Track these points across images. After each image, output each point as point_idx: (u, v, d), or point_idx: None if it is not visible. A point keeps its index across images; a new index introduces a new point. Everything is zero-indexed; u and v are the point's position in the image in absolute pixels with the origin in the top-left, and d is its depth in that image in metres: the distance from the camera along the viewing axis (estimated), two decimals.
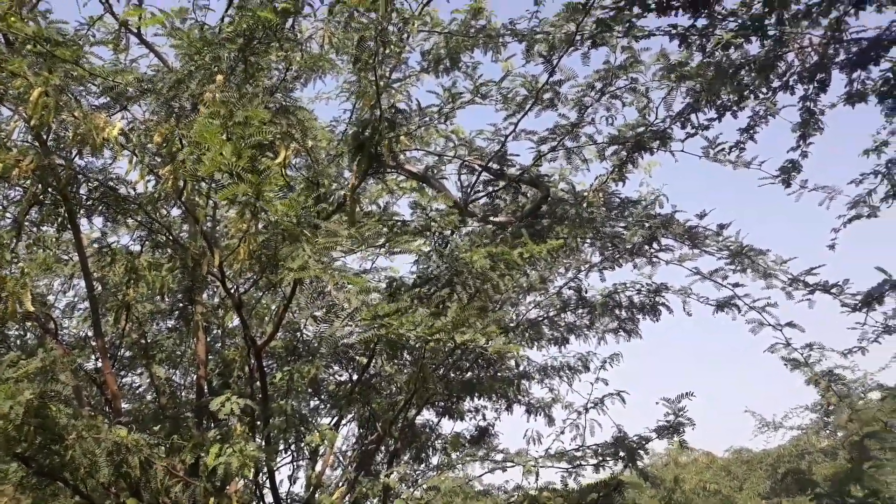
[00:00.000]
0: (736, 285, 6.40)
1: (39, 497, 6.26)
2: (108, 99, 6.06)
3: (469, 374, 9.81)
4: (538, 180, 6.38)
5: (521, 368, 10.45)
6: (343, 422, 9.67)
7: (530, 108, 5.70)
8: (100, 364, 7.93)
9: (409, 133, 5.80)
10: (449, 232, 6.39)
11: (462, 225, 6.43)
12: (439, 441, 10.28)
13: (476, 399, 10.16)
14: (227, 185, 4.09)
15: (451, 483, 5.19)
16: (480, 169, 6.33)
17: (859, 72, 7.08)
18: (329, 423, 8.79)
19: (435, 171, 6.51)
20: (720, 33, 6.81)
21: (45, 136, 5.96)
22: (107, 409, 7.68)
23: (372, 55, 5.26)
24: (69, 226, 7.11)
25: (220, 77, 4.53)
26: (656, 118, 5.86)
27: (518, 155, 6.40)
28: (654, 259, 7.02)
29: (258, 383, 7.20)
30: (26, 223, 7.47)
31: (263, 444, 6.83)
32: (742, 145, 7.62)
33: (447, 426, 10.46)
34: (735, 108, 7.46)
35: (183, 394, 9.48)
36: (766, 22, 6.66)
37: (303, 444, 7.16)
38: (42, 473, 6.12)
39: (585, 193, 6.36)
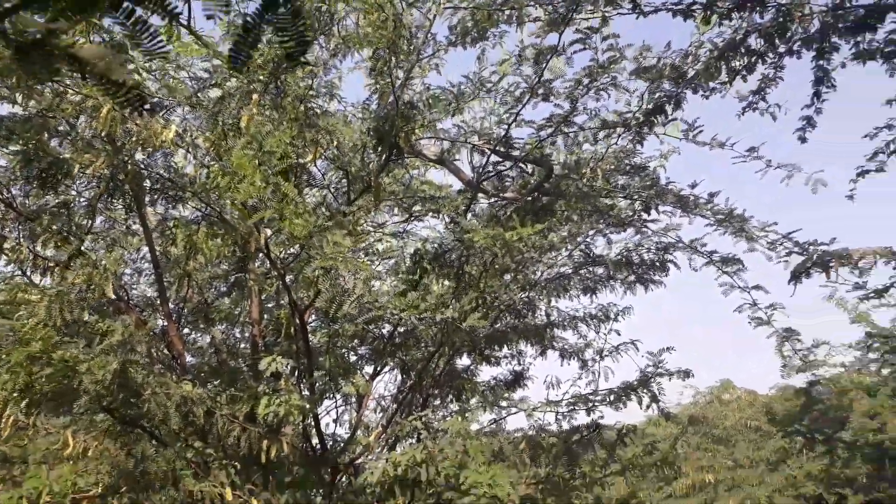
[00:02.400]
0: (712, 252, 7.10)
1: (123, 441, 7.45)
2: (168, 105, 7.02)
3: (497, 324, 10.76)
4: (541, 159, 7.13)
5: (552, 318, 11.31)
6: (385, 370, 10.78)
7: (527, 101, 6.43)
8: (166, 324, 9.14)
9: (423, 125, 6.60)
10: (456, 213, 7.23)
11: (471, 204, 7.27)
12: (471, 385, 11.25)
13: (511, 346, 11.09)
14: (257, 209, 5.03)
15: (458, 425, 6.11)
16: (489, 152, 7.11)
17: (864, 35, 7.64)
18: (368, 373, 9.90)
19: (449, 155, 7.33)
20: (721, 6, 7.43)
21: (115, 139, 6.96)
22: (175, 364, 8.89)
23: (385, 63, 6.06)
24: (136, 209, 8.22)
25: (255, 97, 5.40)
26: (640, 106, 6.50)
27: (522, 139, 7.12)
28: (644, 229, 7.74)
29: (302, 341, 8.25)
30: (100, 207, 8.63)
31: (308, 394, 7.92)
32: (754, 105, 8.24)
33: (487, 371, 11.39)
34: (745, 72, 8.08)
35: (241, 348, 10.68)
36: None
37: (339, 394, 8.21)
38: (124, 422, 7.33)
39: (584, 170, 7.08)
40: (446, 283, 8.66)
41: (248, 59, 1.89)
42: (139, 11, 1.62)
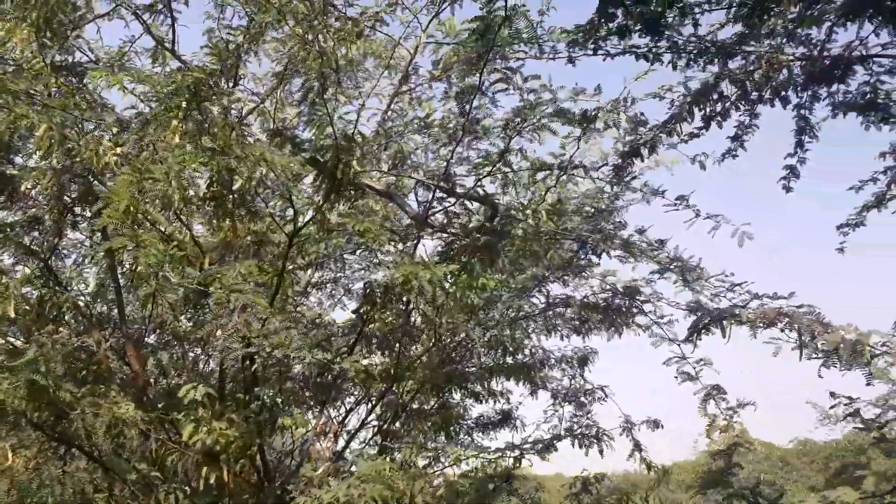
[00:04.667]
0: (645, 301, 6.89)
1: (57, 459, 7.45)
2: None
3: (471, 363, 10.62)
4: (485, 198, 7.04)
5: (535, 357, 11.11)
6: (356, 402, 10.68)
7: (461, 139, 6.37)
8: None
9: (363, 156, 6.57)
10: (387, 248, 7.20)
11: (419, 241, 7.26)
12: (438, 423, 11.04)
13: (500, 383, 10.91)
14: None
15: (371, 467, 5.99)
16: (434, 187, 7.05)
17: (836, 86, 7.48)
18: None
19: (396, 188, 7.28)
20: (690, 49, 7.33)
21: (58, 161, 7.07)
22: (130, 383, 8.90)
23: (318, 95, 6.06)
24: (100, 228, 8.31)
25: (174, 122, 5.43)
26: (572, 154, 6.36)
27: (467, 175, 7.05)
28: (583, 274, 7.57)
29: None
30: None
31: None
32: (733, 153, 8.09)
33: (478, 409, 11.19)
34: (719, 118, 7.93)
35: (209, 370, 10.67)
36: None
37: (278, 427, 8.11)
38: (57, 440, 7.35)
39: (527, 211, 6.95)
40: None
41: None
42: None
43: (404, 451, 7.08)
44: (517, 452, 7.90)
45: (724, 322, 5.16)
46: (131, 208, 4.72)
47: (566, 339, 10.46)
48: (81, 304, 9.26)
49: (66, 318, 9.60)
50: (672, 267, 6.69)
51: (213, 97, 5.60)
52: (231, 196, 6.40)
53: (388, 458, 6.74)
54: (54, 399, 6.48)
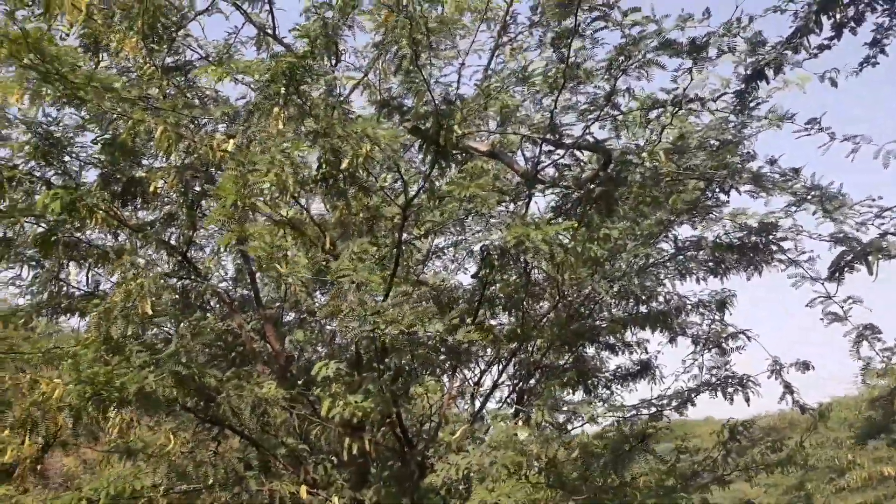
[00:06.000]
0: (782, 239, 6.34)
1: (211, 439, 7.93)
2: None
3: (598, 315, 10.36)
4: (597, 145, 6.71)
5: (670, 304, 10.70)
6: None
7: (563, 86, 6.08)
8: None
9: (464, 119, 6.43)
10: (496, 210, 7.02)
11: (531, 198, 7.06)
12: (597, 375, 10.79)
13: (635, 333, 10.62)
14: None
15: (502, 433, 5.93)
16: (541, 140, 6.81)
17: None
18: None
19: (502, 147, 7.10)
20: None
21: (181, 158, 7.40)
22: (273, 363, 9.32)
23: (411, 62, 5.96)
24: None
25: (276, 110, 5.51)
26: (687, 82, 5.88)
27: (574, 124, 6.74)
28: (711, 216, 7.07)
29: None
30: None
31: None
32: (873, 59, 7.33)
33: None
34: (853, 23, 7.20)
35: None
36: None
37: (412, 395, 8.23)
38: (210, 422, 7.82)
39: (644, 154, 6.56)
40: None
41: None
42: None
43: (537, 413, 6.98)
44: (653, 410, 7.61)
45: (870, 258, 4.65)
46: (238, 203, 4.85)
47: (702, 282, 9.99)
48: (221, 290, 9.75)
49: (211, 303, 10.23)
50: (809, 197, 6.14)
51: (310, 80, 5.62)
52: (341, 175, 6.45)
53: (521, 421, 6.67)
54: (200, 385, 6.87)
